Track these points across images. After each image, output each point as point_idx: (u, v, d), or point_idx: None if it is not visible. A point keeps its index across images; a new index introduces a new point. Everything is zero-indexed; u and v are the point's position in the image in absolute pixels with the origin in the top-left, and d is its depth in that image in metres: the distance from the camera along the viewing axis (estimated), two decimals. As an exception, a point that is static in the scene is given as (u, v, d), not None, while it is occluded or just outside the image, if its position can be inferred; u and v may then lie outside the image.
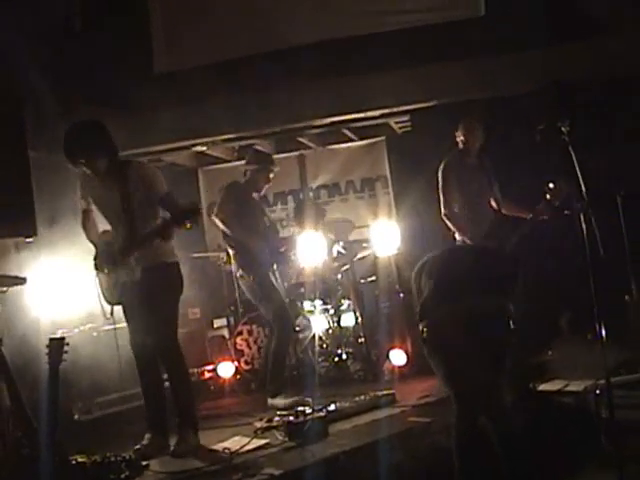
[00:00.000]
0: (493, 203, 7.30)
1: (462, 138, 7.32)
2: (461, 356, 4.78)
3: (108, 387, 7.03)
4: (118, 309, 5.92)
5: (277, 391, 6.97)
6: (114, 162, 5.77)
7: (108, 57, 7.98)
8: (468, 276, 5.06)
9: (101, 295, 5.89)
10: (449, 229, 7.24)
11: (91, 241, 5.95)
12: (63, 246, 6.59)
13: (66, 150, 5.64)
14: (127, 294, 5.76)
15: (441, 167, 7.25)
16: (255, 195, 7.52)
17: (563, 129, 5.15)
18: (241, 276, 7.37)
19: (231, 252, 7.49)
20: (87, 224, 5.98)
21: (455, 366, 4.85)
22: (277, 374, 7.10)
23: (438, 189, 7.23)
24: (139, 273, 5.67)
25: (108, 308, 5.91)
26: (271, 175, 7.49)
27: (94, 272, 5.91)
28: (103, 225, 5.98)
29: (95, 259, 5.89)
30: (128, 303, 5.82)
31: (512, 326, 4.89)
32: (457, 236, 7.17)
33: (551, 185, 6.47)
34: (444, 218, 7.16)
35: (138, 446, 5.69)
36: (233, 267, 7.39)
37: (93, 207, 5.93)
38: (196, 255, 9.23)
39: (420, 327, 4.94)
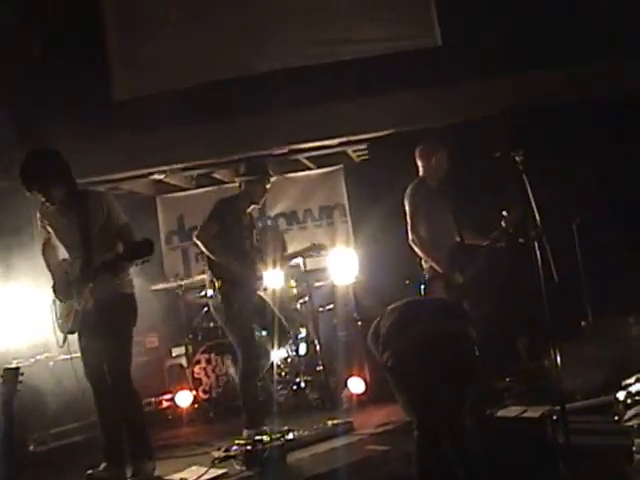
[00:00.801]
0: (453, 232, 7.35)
1: (420, 165, 7.32)
2: (425, 382, 4.80)
3: (64, 417, 6.97)
4: (72, 338, 5.87)
5: (252, 422, 6.68)
6: (71, 191, 5.74)
7: (66, 85, 7.95)
8: (429, 308, 5.14)
9: (55, 324, 5.84)
10: (416, 255, 7.22)
11: (50, 270, 5.91)
12: (18, 275, 6.54)
13: (22, 178, 5.59)
14: (81, 324, 5.72)
15: (407, 193, 7.18)
16: (251, 208, 7.21)
17: (517, 158, 5.22)
18: (217, 301, 6.97)
19: (211, 277, 7.01)
20: (47, 253, 5.95)
21: (419, 393, 4.86)
22: (250, 406, 6.82)
23: (405, 215, 7.19)
24: (91, 304, 5.64)
25: (61, 337, 5.86)
26: (268, 186, 7.19)
27: (51, 301, 5.87)
28: (63, 254, 5.94)
29: (53, 288, 5.85)
30: (81, 333, 5.77)
31: (476, 352, 4.93)
32: (423, 263, 7.18)
33: (504, 213, 6.56)
34: (411, 244, 7.13)
35: (91, 471, 5.63)
36: (209, 291, 7.10)
37: (52, 237, 5.89)
38: (154, 288, 9.17)
39: (384, 357, 4.95)
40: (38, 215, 5.89)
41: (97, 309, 5.67)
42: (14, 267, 6.59)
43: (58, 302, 5.83)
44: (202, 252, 6.94)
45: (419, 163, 7.29)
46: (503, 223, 6.62)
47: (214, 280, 6.84)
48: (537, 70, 7.82)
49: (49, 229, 5.87)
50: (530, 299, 5.40)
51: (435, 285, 6.55)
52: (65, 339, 5.84)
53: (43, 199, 5.65)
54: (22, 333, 6.83)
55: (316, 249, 7.90)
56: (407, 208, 7.14)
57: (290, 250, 8.41)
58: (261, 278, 7.07)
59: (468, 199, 7.61)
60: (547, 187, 5.52)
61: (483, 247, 6.93)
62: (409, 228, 7.09)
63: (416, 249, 7.07)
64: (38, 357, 6.89)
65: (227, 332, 7.11)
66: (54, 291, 5.84)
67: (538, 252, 4.97)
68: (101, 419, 5.91)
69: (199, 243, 6.81)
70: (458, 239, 7.11)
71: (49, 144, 6.05)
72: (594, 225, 7.41)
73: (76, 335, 5.84)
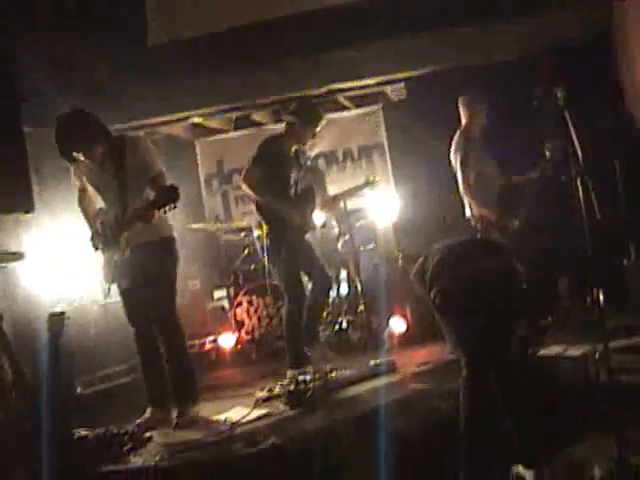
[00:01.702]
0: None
1: (464, 115, 7.28)
2: (473, 319, 4.81)
3: (110, 360, 7.06)
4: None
5: (295, 363, 6.76)
6: (108, 145, 5.73)
7: (102, 29, 7.94)
8: (475, 245, 5.15)
9: (101, 273, 5.91)
10: (466, 205, 7.21)
11: (87, 220, 5.95)
12: (61, 221, 6.59)
13: (60, 147, 5.62)
14: (121, 272, 5.76)
15: (453, 146, 7.19)
16: (295, 148, 7.07)
17: (559, 95, 5.14)
18: (265, 242, 6.99)
19: (258, 220, 7.07)
20: (83, 203, 5.97)
21: (467, 330, 4.88)
22: (293, 346, 6.88)
23: (452, 168, 7.18)
24: (128, 252, 5.67)
25: (106, 286, 5.92)
26: (318, 128, 7.10)
27: (93, 251, 5.92)
28: (100, 202, 5.97)
29: (92, 239, 5.89)
30: (122, 281, 5.82)
31: (524, 287, 4.93)
32: (467, 211, 7.16)
33: (548, 145, 6.51)
34: (462, 194, 7.11)
35: (140, 420, 5.73)
36: (256, 233, 7.00)
37: (88, 186, 5.92)
38: (194, 227, 9.20)
39: (431, 294, 4.95)
40: (73, 166, 5.90)
41: (135, 256, 5.71)
42: (57, 213, 6.64)
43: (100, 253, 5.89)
44: (245, 195, 6.90)
45: (462, 112, 7.25)
46: (547, 152, 6.57)
47: (262, 223, 6.83)
48: (579, 7, 7.67)
49: (83, 178, 5.89)
50: (572, 237, 5.37)
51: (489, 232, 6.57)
52: (109, 288, 5.90)
53: (83, 159, 5.67)
54: (66, 278, 6.89)
55: (370, 185, 7.84)
56: (454, 161, 7.12)
57: (332, 190, 8.37)
58: (310, 218, 7.03)
59: (510, 139, 7.53)
60: (589, 125, 5.45)
61: (531, 182, 6.92)
62: (460, 180, 7.06)
63: (468, 200, 7.04)
64: (82, 301, 6.97)
65: (273, 274, 7.17)
66: (91, 240, 5.89)
67: (580, 189, 4.91)
68: (144, 364, 6.00)
69: (244, 186, 6.78)
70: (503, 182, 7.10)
71: (87, 90, 6.05)
72: (636, 162, 7.31)
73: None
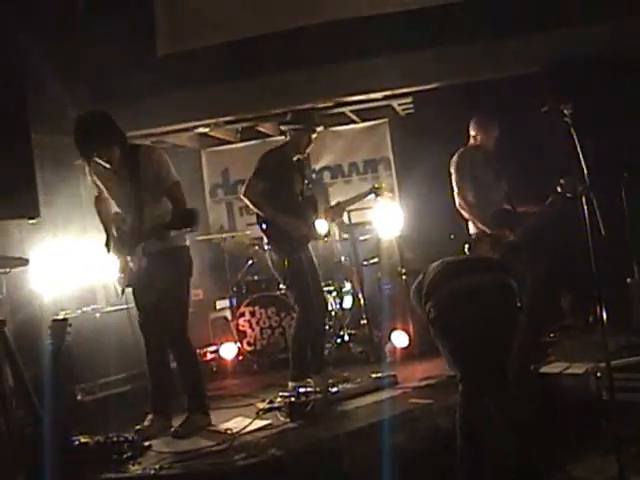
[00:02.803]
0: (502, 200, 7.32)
1: (476, 136, 7.29)
2: (467, 334, 4.82)
3: (111, 368, 7.05)
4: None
5: (298, 376, 6.71)
6: (124, 149, 5.74)
7: (110, 39, 7.96)
8: (470, 263, 5.17)
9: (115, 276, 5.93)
10: (463, 218, 7.23)
11: (102, 224, 5.96)
12: (65, 227, 6.61)
13: (79, 145, 5.59)
14: (136, 279, 5.77)
15: (454, 160, 7.22)
16: (295, 158, 7.04)
17: (566, 112, 5.15)
18: (272, 256, 6.92)
19: (263, 235, 6.96)
20: (99, 206, 6.00)
21: (461, 345, 4.89)
22: (298, 358, 6.84)
23: (450, 179, 7.21)
24: (145, 262, 5.68)
25: (119, 289, 5.94)
26: (314, 135, 7.06)
27: (108, 254, 5.93)
28: (115, 207, 6.00)
29: (107, 244, 5.90)
30: (138, 287, 5.83)
31: (518, 304, 4.93)
32: (471, 226, 7.19)
33: (562, 180, 6.51)
34: (459, 208, 7.15)
35: (139, 426, 5.73)
36: (265, 246, 7.02)
37: (104, 191, 5.93)
38: (198, 239, 9.21)
39: (427, 308, 4.97)
40: (87, 170, 5.91)
41: (151, 264, 5.72)
42: (62, 219, 6.65)
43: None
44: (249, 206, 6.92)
45: (472, 133, 7.29)
46: (559, 189, 6.58)
47: (264, 236, 6.84)
48: (584, 23, 7.67)
49: (100, 185, 5.90)
50: (576, 254, 5.37)
51: (481, 245, 6.54)
52: (123, 292, 5.91)
53: (103, 163, 5.66)
54: (70, 285, 6.90)
55: (374, 192, 7.84)
56: (453, 174, 7.17)
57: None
58: (313, 227, 6.99)
59: (515, 155, 7.54)
60: (595, 141, 5.45)
61: (534, 213, 6.96)
62: (455, 193, 7.12)
63: (463, 213, 7.09)
64: (85, 309, 6.98)
65: (284, 285, 7.20)
66: (106, 245, 5.90)
67: (585, 206, 4.92)
68: (151, 371, 6.00)
69: (246, 200, 6.78)
70: (508, 207, 7.12)
71: (94, 98, 6.07)
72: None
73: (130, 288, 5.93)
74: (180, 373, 5.98)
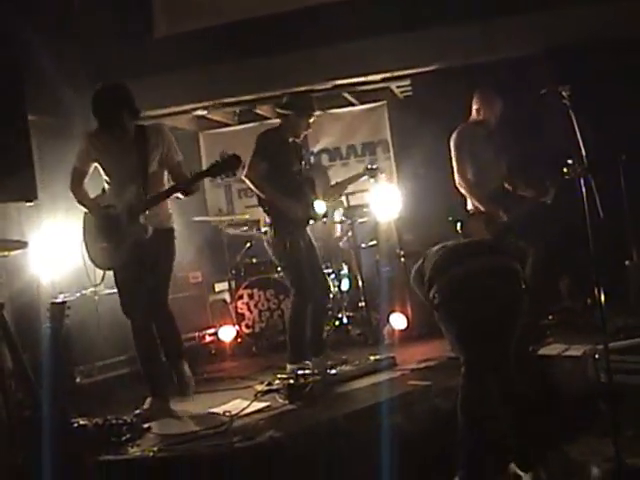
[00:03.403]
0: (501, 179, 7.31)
1: (479, 110, 7.25)
2: (472, 318, 4.82)
3: (109, 351, 7.07)
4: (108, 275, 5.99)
5: (297, 358, 6.74)
6: (136, 122, 5.85)
7: (107, 21, 7.94)
8: (473, 246, 5.16)
9: (90, 260, 5.93)
10: (461, 196, 7.21)
11: (82, 202, 5.93)
12: (64, 210, 6.59)
13: (102, 107, 5.69)
14: (133, 255, 5.75)
15: (454, 136, 7.16)
16: (292, 139, 7.01)
17: (564, 94, 5.13)
18: (270, 237, 6.90)
19: (264, 215, 6.98)
20: (80, 185, 5.94)
21: (466, 329, 4.89)
22: (295, 341, 6.86)
23: (450, 156, 7.18)
24: (151, 231, 5.71)
25: (94, 272, 5.94)
26: (311, 120, 7.00)
27: (82, 237, 5.93)
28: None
29: (84, 224, 5.91)
30: (126, 266, 5.81)
31: (523, 285, 4.93)
32: (469, 204, 7.18)
33: (569, 161, 6.47)
34: (458, 187, 7.13)
35: (138, 410, 5.74)
36: (263, 228, 7.00)
37: (89, 169, 5.92)
38: (196, 219, 9.20)
39: (430, 294, 4.97)
40: (83, 145, 5.88)
41: (152, 239, 5.76)
42: (60, 201, 6.63)
43: (88, 239, 5.90)
44: (248, 189, 6.91)
45: (475, 107, 7.23)
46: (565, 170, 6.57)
47: (265, 216, 6.83)
48: (584, 5, 7.65)
49: (98, 159, 5.87)
50: (574, 237, 5.37)
51: (474, 223, 6.57)
52: (104, 276, 5.92)
53: (117, 129, 5.73)
54: (68, 267, 6.90)
55: (370, 173, 7.81)
56: (453, 150, 7.13)
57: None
58: (312, 207, 6.96)
59: (512, 137, 7.52)
60: (594, 124, 5.45)
61: (528, 199, 6.95)
62: (455, 170, 7.07)
63: (461, 189, 7.07)
64: (84, 291, 6.98)
65: (280, 267, 7.19)
66: (85, 227, 5.92)
67: (584, 189, 4.91)
68: (144, 355, 6.01)
69: (247, 182, 6.77)
70: (506, 186, 7.12)
71: (91, 80, 6.07)
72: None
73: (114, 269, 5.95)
74: (169, 348, 6.07)
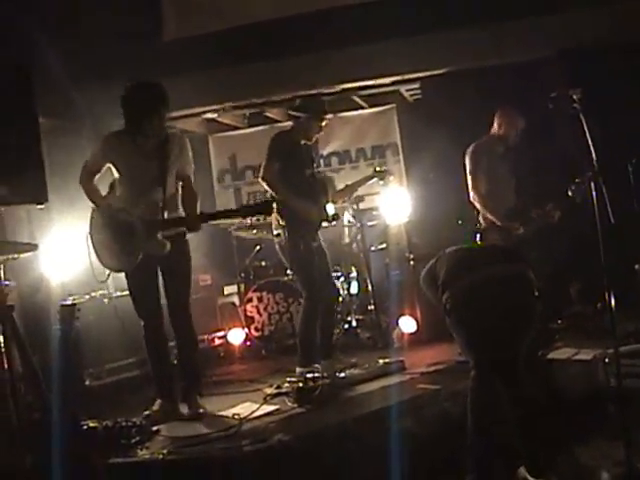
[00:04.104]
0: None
1: (501, 125, 7.25)
2: (484, 324, 4.82)
3: (119, 353, 7.08)
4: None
5: (306, 361, 6.71)
6: (164, 127, 5.83)
7: (117, 24, 7.95)
8: (488, 252, 5.14)
9: (97, 257, 5.82)
10: (475, 209, 7.22)
11: (91, 198, 5.88)
12: (74, 212, 6.60)
13: (134, 104, 5.66)
14: (145, 261, 5.66)
15: (470, 150, 7.19)
16: (303, 142, 6.99)
17: (575, 97, 5.12)
18: (281, 240, 6.88)
19: (277, 216, 6.81)
20: (91, 183, 5.90)
21: (477, 334, 4.88)
22: (305, 344, 6.83)
23: (465, 170, 7.18)
24: (169, 246, 5.65)
25: (100, 271, 5.91)
26: (323, 123, 6.98)
27: (89, 231, 5.85)
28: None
29: (92, 219, 5.84)
30: (145, 268, 5.73)
31: (536, 293, 4.93)
32: (481, 219, 7.19)
33: (577, 180, 6.46)
34: (472, 201, 7.13)
35: (148, 412, 5.74)
36: (274, 230, 7.00)
37: (102, 169, 5.87)
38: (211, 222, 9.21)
39: (443, 298, 4.96)
40: (100, 145, 5.82)
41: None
42: (70, 204, 6.65)
43: (95, 235, 5.83)
44: (258, 191, 6.90)
45: (496, 122, 7.23)
46: (570, 192, 6.55)
47: (279, 218, 6.81)
48: (594, 8, 7.65)
49: (114, 162, 5.80)
50: (584, 241, 5.36)
51: (491, 236, 6.56)
52: (109, 274, 5.91)
53: (150, 128, 5.67)
54: (78, 270, 6.90)
55: (379, 175, 7.80)
56: (469, 165, 7.15)
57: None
58: (324, 210, 6.94)
59: (524, 142, 7.50)
60: (604, 127, 5.43)
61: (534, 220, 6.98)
62: (470, 186, 7.09)
63: (475, 204, 7.08)
64: (94, 294, 6.99)
65: (292, 270, 7.17)
66: (92, 225, 5.84)
67: (594, 193, 4.90)
68: (154, 357, 6.00)
69: (264, 183, 6.72)
70: (519, 203, 7.14)
71: (101, 83, 6.07)
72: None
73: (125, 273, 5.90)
74: (182, 357, 6.00)
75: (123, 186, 5.82)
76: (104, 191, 5.92)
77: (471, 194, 7.13)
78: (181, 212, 5.88)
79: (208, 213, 5.78)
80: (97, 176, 5.92)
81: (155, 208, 5.68)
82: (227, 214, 5.88)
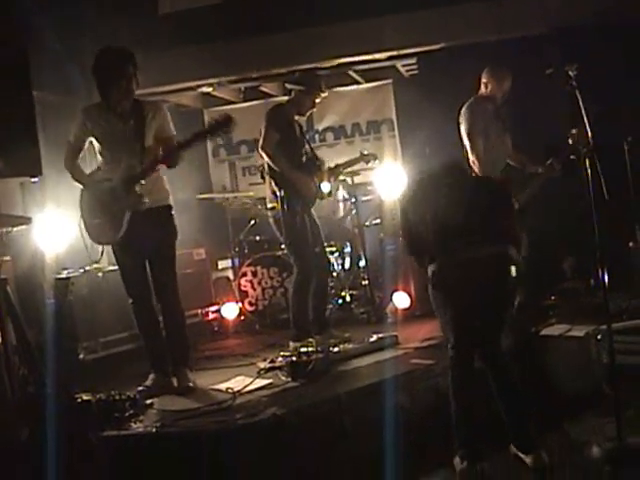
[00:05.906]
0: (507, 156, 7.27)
1: (487, 84, 7.18)
2: (462, 303, 4.82)
3: (113, 327, 7.08)
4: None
5: (300, 336, 6.71)
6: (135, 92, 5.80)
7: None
8: (471, 218, 5.03)
9: (88, 236, 5.85)
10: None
11: (77, 179, 5.90)
12: (66, 186, 6.58)
13: (105, 65, 5.66)
14: (129, 233, 5.66)
15: (465, 111, 7.05)
16: (296, 118, 7.03)
17: (571, 73, 5.11)
18: (275, 214, 6.84)
19: (275, 188, 6.76)
20: (74, 160, 5.91)
21: (456, 313, 4.88)
22: (298, 318, 6.87)
23: (460, 133, 7.11)
24: (146, 202, 5.64)
25: (93, 248, 5.91)
26: (317, 100, 6.99)
27: (79, 214, 5.88)
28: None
29: (81, 201, 5.87)
30: (125, 244, 5.76)
31: (514, 274, 4.91)
32: None
33: (574, 130, 6.43)
34: (472, 165, 7.07)
35: (141, 387, 5.76)
36: (268, 204, 6.97)
37: (84, 145, 5.88)
38: (200, 197, 9.22)
39: (429, 270, 4.96)
40: (79, 119, 5.83)
41: (149, 216, 5.69)
42: (64, 178, 6.63)
43: (85, 215, 5.85)
44: (252, 166, 6.88)
45: (484, 81, 7.16)
46: (571, 140, 6.51)
47: (277, 190, 6.78)
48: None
49: (93, 132, 5.81)
50: (578, 218, 5.36)
51: None
52: (102, 251, 5.91)
53: (124, 86, 5.64)
54: (72, 244, 6.90)
55: (365, 159, 7.80)
56: (465, 126, 7.03)
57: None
58: (318, 185, 6.98)
59: (519, 117, 7.48)
60: (600, 104, 5.43)
61: (538, 175, 6.91)
62: (469, 148, 6.99)
63: (475, 169, 6.99)
64: (87, 267, 6.99)
65: (285, 242, 7.07)
66: (82, 203, 5.87)
67: (589, 169, 4.89)
68: (146, 332, 6.02)
69: (263, 154, 6.71)
70: (516, 165, 7.10)
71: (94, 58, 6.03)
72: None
73: (113, 247, 5.92)
74: (168, 330, 6.00)
75: (104, 155, 5.85)
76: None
77: (471, 157, 7.02)
78: (165, 198, 5.90)
79: (180, 141, 5.66)
80: (80, 155, 5.92)
81: (135, 168, 5.66)
82: (198, 137, 5.73)
